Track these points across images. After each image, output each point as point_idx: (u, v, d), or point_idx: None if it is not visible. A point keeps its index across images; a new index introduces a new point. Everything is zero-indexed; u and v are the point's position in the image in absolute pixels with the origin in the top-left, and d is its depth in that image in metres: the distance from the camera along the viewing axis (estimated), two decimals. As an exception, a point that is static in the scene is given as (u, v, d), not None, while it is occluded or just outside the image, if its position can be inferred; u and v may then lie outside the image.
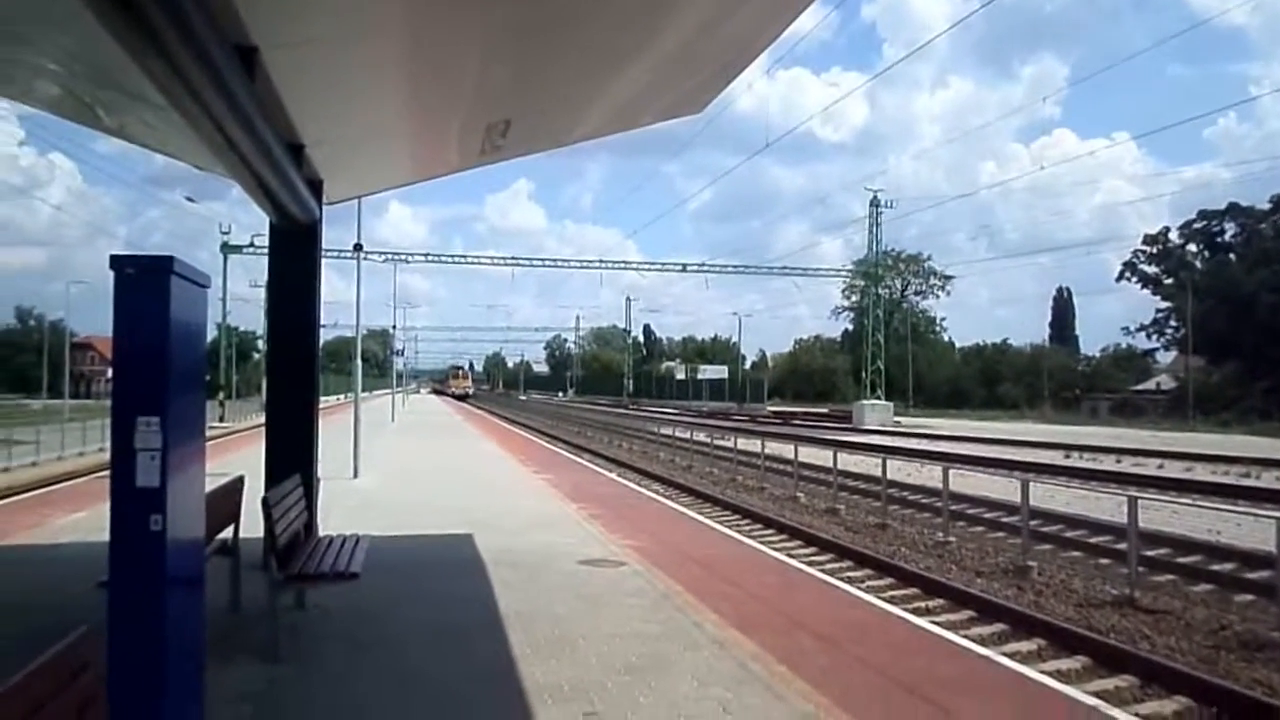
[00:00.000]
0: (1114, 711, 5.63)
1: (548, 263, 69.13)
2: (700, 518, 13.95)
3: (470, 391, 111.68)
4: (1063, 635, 8.64)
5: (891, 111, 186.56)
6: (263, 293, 54.67)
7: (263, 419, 11.02)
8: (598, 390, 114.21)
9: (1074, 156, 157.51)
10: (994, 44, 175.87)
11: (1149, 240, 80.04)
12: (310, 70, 6.54)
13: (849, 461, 20.16)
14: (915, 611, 8.84)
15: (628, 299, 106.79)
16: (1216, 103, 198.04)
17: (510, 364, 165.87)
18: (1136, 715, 5.88)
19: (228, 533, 7.25)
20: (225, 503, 7.13)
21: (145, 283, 3.64)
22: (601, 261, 68.62)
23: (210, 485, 5.59)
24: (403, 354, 66.19)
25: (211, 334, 50.31)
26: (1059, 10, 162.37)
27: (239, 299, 70.26)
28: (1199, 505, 13.89)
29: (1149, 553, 11.67)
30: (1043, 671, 6.81)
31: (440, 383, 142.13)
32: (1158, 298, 79.08)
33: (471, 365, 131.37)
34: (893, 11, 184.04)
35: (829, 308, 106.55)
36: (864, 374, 58.61)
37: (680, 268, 68.83)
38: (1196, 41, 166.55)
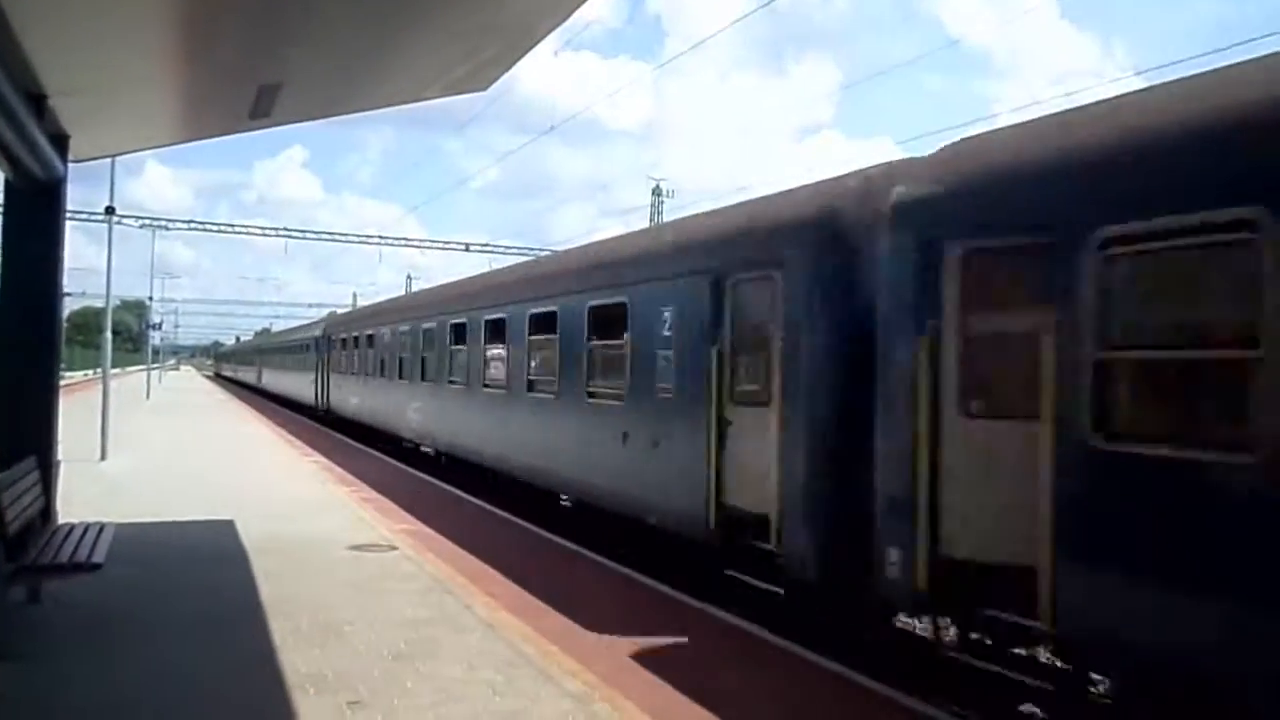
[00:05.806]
0: None
1: (323, 236, 66.29)
2: (477, 501, 13.85)
3: None
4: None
5: (675, 103, 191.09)
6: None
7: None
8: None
9: (840, 159, 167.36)
10: (772, 46, 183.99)
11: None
12: (54, 10, 5.95)
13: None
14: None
15: (408, 277, 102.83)
16: (967, 115, 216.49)
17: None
18: None
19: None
20: (-56, 487, 6.45)
21: None
22: (380, 237, 66.05)
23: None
24: (160, 327, 61.54)
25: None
26: (832, 17, 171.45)
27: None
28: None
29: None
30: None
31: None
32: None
33: (238, 339, 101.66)
34: (677, 6, 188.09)
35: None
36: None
37: (463, 247, 67.47)
38: (952, 58, 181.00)
